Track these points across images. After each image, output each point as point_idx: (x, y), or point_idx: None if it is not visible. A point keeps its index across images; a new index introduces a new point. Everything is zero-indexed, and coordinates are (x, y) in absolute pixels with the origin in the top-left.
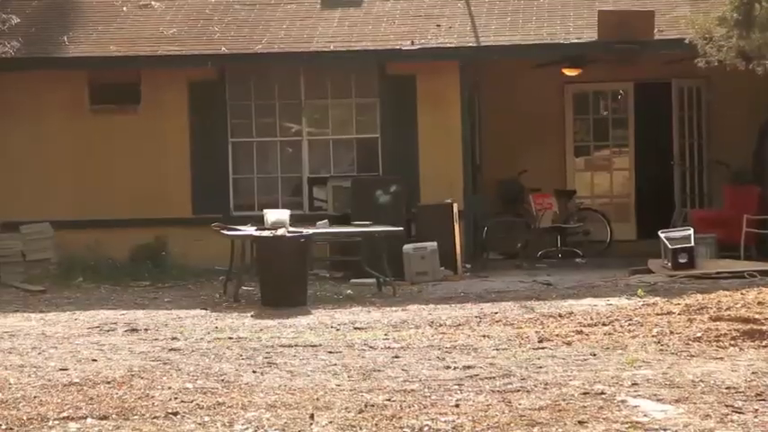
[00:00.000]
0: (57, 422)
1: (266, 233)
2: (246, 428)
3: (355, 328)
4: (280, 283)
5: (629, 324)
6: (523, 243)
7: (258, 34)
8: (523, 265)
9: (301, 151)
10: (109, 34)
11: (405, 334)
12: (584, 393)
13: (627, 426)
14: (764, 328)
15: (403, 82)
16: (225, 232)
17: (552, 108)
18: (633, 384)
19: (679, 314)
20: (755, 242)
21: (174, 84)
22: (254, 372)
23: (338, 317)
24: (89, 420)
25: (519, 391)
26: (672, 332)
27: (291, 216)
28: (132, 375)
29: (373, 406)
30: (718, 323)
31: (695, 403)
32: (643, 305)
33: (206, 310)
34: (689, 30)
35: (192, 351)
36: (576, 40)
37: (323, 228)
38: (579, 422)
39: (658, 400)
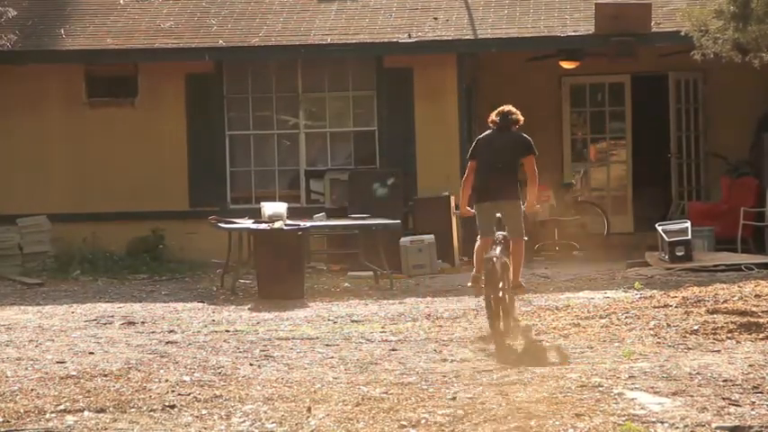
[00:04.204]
0: (54, 415)
1: (263, 226)
2: (244, 421)
3: (352, 321)
4: (277, 275)
5: (627, 317)
6: None
7: (255, 27)
8: None
9: (298, 144)
10: (106, 27)
11: (402, 327)
12: (582, 386)
13: (624, 418)
14: (761, 320)
15: (400, 75)
16: (222, 225)
17: (549, 101)
18: (630, 377)
19: (676, 307)
20: (753, 235)
21: (171, 76)
22: (251, 365)
23: (335, 310)
24: (86, 413)
25: (516, 383)
26: (669, 325)
27: (289, 209)
28: (129, 368)
29: (370, 399)
30: (715, 316)
31: (692, 396)
32: (640, 298)
33: (203, 302)
34: (685, 22)
35: (189, 344)
36: (572, 33)
37: (320, 221)
38: (576, 415)
39: (655, 393)
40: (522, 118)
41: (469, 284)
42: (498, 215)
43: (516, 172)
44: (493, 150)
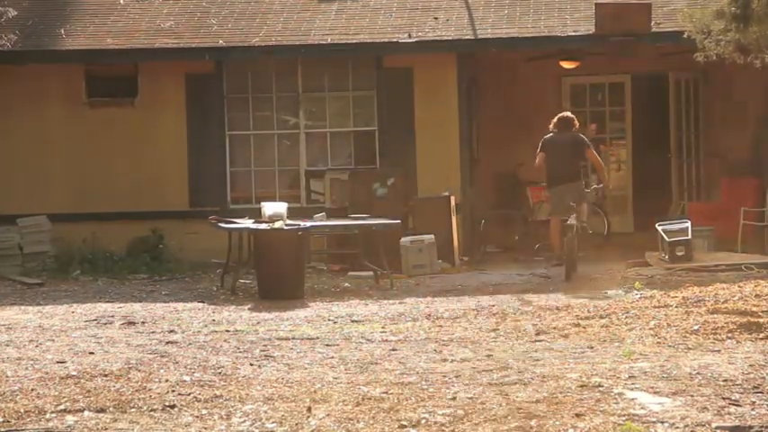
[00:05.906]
0: (54, 415)
1: (264, 226)
2: (244, 421)
3: (353, 321)
4: (277, 275)
5: (627, 317)
6: (521, 236)
7: (255, 27)
8: (520, 257)
9: (299, 144)
10: (106, 27)
11: (402, 327)
12: (582, 386)
13: (624, 418)
14: (762, 320)
15: (400, 74)
16: (222, 225)
17: (549, 100)
18: (630, 377)
19: (676, 307)
20: (753, 235)
21: (172, 76)
22: (251, 365)
23: (335, 310)
24: (86, 413)
25: (516, 383)
26: (669, 325)
27: (289, 209)
28: (129, 368)
29: (370, 399)
30: (715, 316)
31: (692, 396)
32: (640, 298)
33: (203, 302)
34: (686, 23)
35: (190, 344)
36: (573, 33)
37: (320, 220)
38: (576, 415)
39: (655, 393)
40: (577, 122)
41: (554, 263)
42: (572, 204)
43: (578, 162)
44: (557, 147)
